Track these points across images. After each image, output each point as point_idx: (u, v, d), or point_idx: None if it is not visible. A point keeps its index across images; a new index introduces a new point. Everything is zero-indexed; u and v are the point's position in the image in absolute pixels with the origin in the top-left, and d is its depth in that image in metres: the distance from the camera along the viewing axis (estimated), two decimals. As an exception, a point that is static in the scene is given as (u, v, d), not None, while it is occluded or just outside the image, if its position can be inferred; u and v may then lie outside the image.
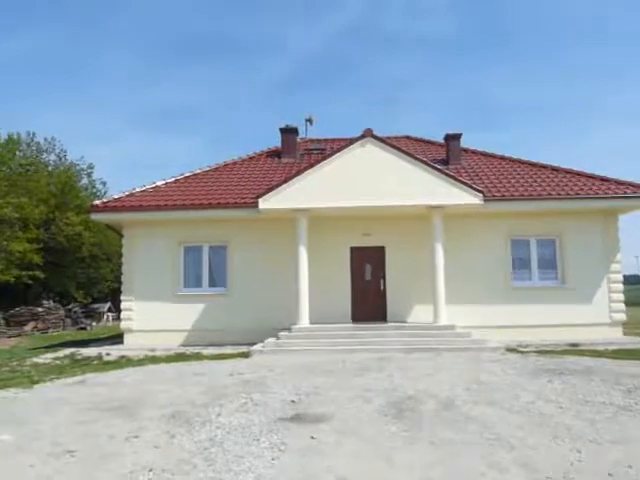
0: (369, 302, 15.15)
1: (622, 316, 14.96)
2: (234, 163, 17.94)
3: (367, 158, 13.98)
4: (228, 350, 13.22)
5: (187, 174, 16.86)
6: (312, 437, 5.56)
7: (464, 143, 17.93)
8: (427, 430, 5.74)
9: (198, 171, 17.12)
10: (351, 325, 14.28)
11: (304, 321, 13.81)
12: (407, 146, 18.11)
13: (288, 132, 18.31)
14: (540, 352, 12.07)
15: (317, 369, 10.08)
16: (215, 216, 15.12)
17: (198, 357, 12.38)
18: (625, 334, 14.99)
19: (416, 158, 14.01)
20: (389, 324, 14.15)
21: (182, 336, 15.15)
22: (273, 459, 4.91)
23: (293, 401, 7.29)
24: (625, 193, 14.60)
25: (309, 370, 9.98)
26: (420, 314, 14.77)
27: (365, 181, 13.80)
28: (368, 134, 14.03)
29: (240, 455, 5.03)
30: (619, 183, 15.04)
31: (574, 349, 12.51)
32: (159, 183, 16.20)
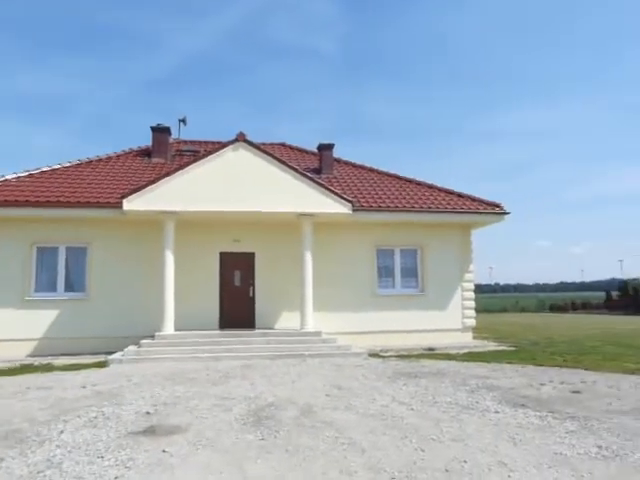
0: (238, 309, 14.96)
1: (473, 322, 16.26)
2: (99, 160, 16.84)
3: (239, 163, 13.84)
4: (84, 360, 12.30)
5: (45, 169, 15.50)
6: (164, 451, 5.29)
7: (339, 154, 18.52)
8: (284, 438, 5.73)
9: (57, 167, 15.81)
10: (217, 332, 13.99)
11: (168, 328, 13.27)
12: (282, 153, 18.26)
13: (160, 131, 17.60)
14: (400, 356, 12.70)
15: (179, 378, 9.71)
16: (74, 215, 14.05)
17: (48, 368, 11.35)
18: (474, 338, 16.32)
19: (288, 165, 14.13)
20: (256, 331, 14.06)
21: (31, 345, 13.83)
22: (117, 477, 4.58)
23: (148, 413, 6.92)
24: (478, 209, 15.93)
25: (170, 379, 9.58)
26: (289, 321, 14.88)
27: (236, 186, 13.63)
28: (241, 138, 13.90)
29: (79, 476, 4.62)
30: (473, 200, 16.38)
31: (430, 353, 13.34)
32: (9, 177, 14.70)
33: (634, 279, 43.80)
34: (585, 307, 46.20)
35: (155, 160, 17.19)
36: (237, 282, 15.21)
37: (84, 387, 8.91)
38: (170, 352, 12.31)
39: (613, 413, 6.79)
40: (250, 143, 14.02)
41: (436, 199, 16.12)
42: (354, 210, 14.38)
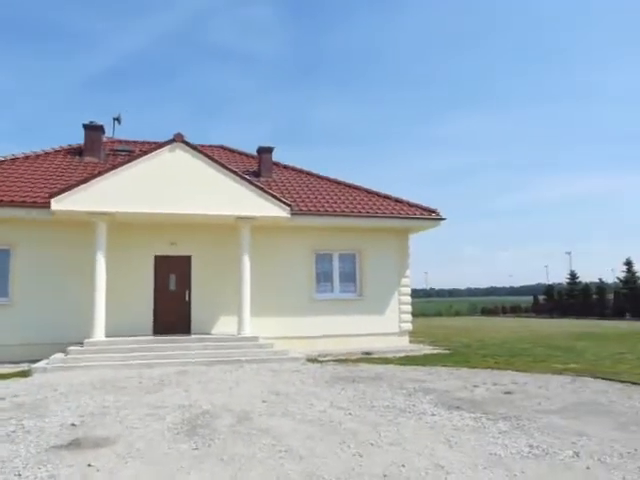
0: (173, 313, 14.50)
1: (409, 326, 16.51)
2: (26, 158, 15.90)
3: (176, 164, 13.45)
4: (4, 369, 11.51)
5: (-39, 165, 14.49)
6: (89, 465, 4.97)
7: (282, 158, 18.43)
8: (219, 446, 5.52)
9: (-23, 163, 14.82)
10: (151, 338, 13.48)
11: (99, 334, 12.68)
12: (221, 156, 17.95)
13: (93, 129, 16.85)
14: (338, 361, 12.69)
15: (109, 386, 9.26)
16: (-4, 215, 13.20)
17: (-37, 379, 10.53)
18: (411, 342, 16.58)
19: (227, 168, 13.87)
20: (192, 336, 13.67)
21: (-56, 355, 12.83)
22: (35, 496, 4.24)
23: (74, 424, 6.52)
24: (415, 214, 16.23)
25: (100, 388, 9.12)
26: (226, 326, 14.57)
27: (173, 187, 13.23)
28: (178, 139, 13.52)
29: (-8, 495, 4.26)
30: (411, 205, 16.67)
31: (368, 357, 13.41)
32: None
33: (559, 284, 46.10)
34: (514, 311, 48.20)
35: (87, 159, 16.45)
36: (172, 286, 14.75)
37: (3, 399, 8.31)
38: (100, 359, 11.75)
39: (543, 412, 7.01)
40: (188, 144, 13.66)
41: (374, 204, 16.28)
42: (293, 214, 14.29)
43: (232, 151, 19.56)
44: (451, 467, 4.84)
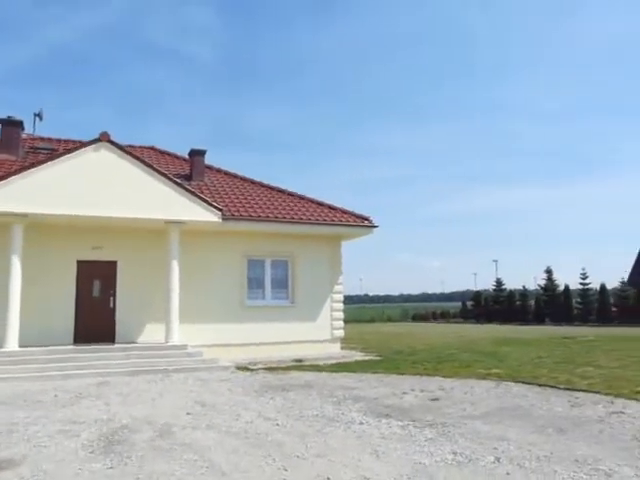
0: (96, 321, 13.79)
1: (341, 332, 16.54)
2: None
3: (101, 164, 12.85)
4: None
5: None
6: (-12, 490, 4.55)
7: (215, 162, 18.05)
8: (136, 464, 5.21)
9: None
10: (71, 347, 12.76)
11: (11, 344, 11.86)
12: (151, 157, 17.36)
13: (10, 125, 15.80)
14: (268, 369, 12.49)
15: (20, 400, 8.64)
16: None
17: None
18: (343, 348, 16.60)
19: (156, 170, 13.40)
20: (116, 345, 13.06)
21: None
22: None
23: (-25, 444, 5.98)
24: (348, 222, 16.32)
25: (9, 402, 8.49)
26: (153, 334, 14.01)
27: (97, 189, 12.63)
28: (104, 138, 12.92)
29: None
30: (344, 212, 16.75)
31: (299, 365, 13.28)
32: None
33: (486, 290, 47.92)
34: (444, 316, 49.66)
35: (3, 156, 15.40)
36: (96, 292, 14.06)
37: None
38: (13, 371, 10.97)
39: (467, 418, 7.13)
40: (114, 144, 13.09)
41: (307, 210, 16.24)
42: (224, 219, 13.99)
43: (163, 153, 18.97)
44: (377, 478, 4.78)
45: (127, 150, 13.34)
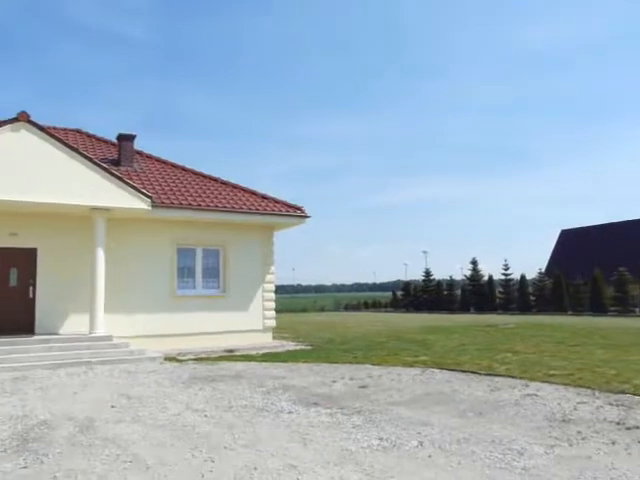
0: (12, 312, 13.04)
1: (273, 322, 16.52)
2: None
3: (20, 146, 12.09)
4: None
5: None
6: None
7: (147, 148, 17.43)
8: (53, 462, 4.99)
9: None
10: (-15, 340, 12.02)
11: None
12: (76, 141, 16.58)
13: None
14: (198, 360, 12.30)
15: None
16: None
17: None
18: (275, 338, 16.61)
19: (80, 153, 12.78)
20: (35, 337, 12.41)
21: None
22: None
23: None
24: (280, 211, 16.27)
25: None
26: (77, 325, 13.43)
27: (15, 172, 11.88)
28: (23, 118, 12.16)
29: None
30: (277, 202, 16.68)
31: (230, 355, 13.17)
32: None
33: (415, 280, 49.31)
34: (375, 306, 50.74)
35: None
36: (13, 282, 13.29)
37: None
38: None
39: (394, 405, 7.33)
40: (35, 124, 12.34)
41: (240, 199, 16.05)
42: (154, 206, 13.58)
43: (90, 136, 18.12)
44: (304, 466, 4.83)
45: (49, 132, 12.63)
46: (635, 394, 7.65)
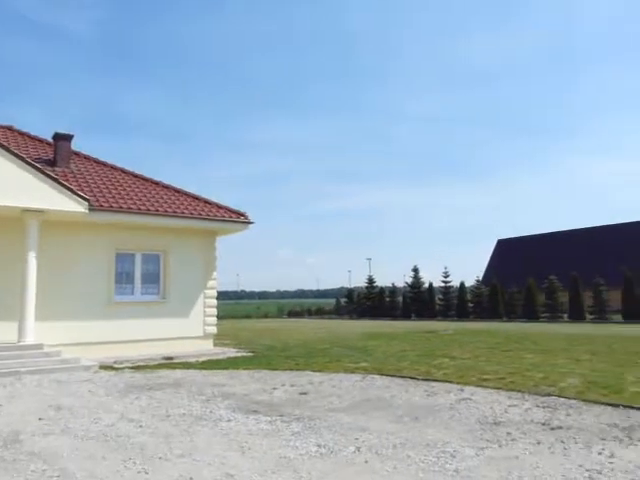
0: None
1: (214, 329, 16.27)
2: None
3: (-55, 143, 11.44)
4: None
5: None
6: None
7: (86, 149, 16.83)
8: (-27, 477, 4.73)
9: None
10: None
11: None
12: (7, 138, 15.85)
13: None
14: (136, 368, 11.97)
15: None
16: None
17: None
18: (216, 345, 16.36)
19: (11, 151, 12.18)
20: (-41, 346, 11.72)
21: None
22: None
23: None
24: (224, 217, 16.10)
25: None
26: (5, 333, 12.72)
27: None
28: (-51, 114, 11.52)
29: None
30: (220, 207, 16.49)
31: (169, 362, 12.88)
32: None
33: (359, 287, 49.93)
34: (319, 312, 51.00)
35: None
36: None
37: None
38: None
39: (333, 411, 7.38)
40: (-39, 121, 11.71)
41: (182, 204, 15.77)
42: (91, 209, 13.13)
43: (22, 134, 17.34)
44: (241, 475, 4.78)
45: (-23, 129, 12.01)
46: (560, 396, 8.06)
